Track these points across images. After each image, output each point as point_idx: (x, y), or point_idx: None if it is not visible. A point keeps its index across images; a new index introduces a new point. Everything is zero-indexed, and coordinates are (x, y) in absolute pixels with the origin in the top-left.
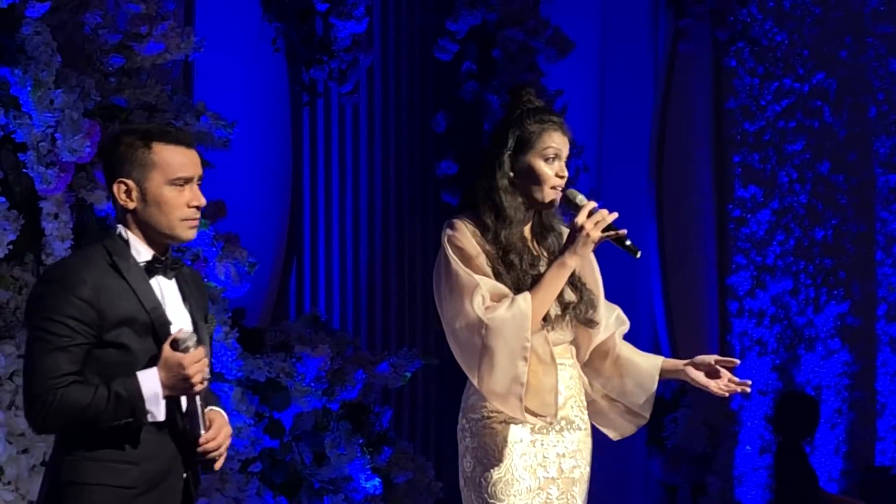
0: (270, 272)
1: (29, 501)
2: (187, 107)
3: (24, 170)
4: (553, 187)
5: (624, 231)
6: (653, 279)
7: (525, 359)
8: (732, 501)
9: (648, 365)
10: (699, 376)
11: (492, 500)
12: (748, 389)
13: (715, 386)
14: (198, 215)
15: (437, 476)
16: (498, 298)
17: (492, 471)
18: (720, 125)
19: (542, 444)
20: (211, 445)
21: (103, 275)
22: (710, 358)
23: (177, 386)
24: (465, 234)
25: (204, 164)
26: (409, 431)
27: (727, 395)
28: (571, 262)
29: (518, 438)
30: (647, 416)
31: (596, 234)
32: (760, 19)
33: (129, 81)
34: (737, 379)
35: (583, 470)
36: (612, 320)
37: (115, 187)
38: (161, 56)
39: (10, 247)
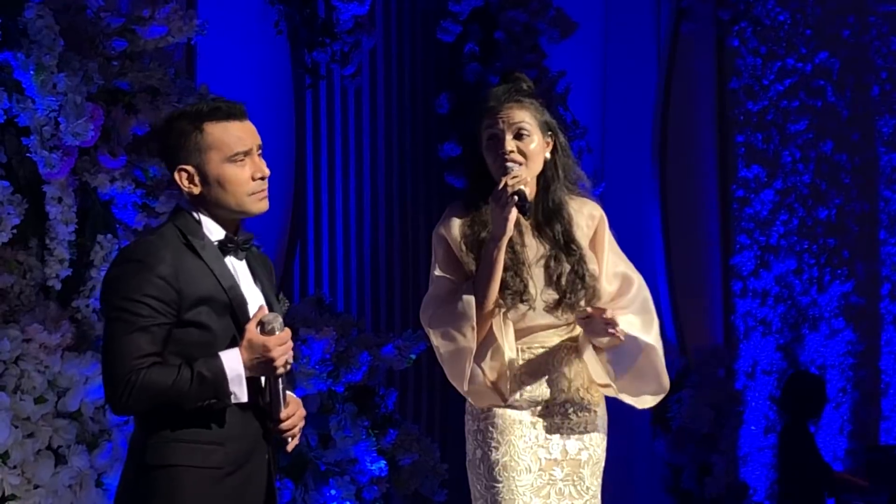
0: (274, 255)
1: (35, 486)
2: (190, 90)
3: (27, 154)
4: (500, 167)
5: (515, 199)
6: (656, 259)
7: (469, 343)
8: (737, 481)
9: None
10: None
11: (491, 483)
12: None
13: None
14: (264, 186)
15: (443, 458)
16: (447, 294)
17: (491, 453)
18: (723, 105)
19: (545, 426)
20: (288, 424)
21: (180, 254)
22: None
23: (260, 367)
24: (450, 225)
25: None
26: (414, 413)
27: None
28: (495, 239)
29: (518, 420)
30: (616, 387)
31: (502, 205)
32: None
33: (132, 65)
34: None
35: (592, 452)
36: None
37: (176, 176)
38: (164, 39)
39: (14, 231)
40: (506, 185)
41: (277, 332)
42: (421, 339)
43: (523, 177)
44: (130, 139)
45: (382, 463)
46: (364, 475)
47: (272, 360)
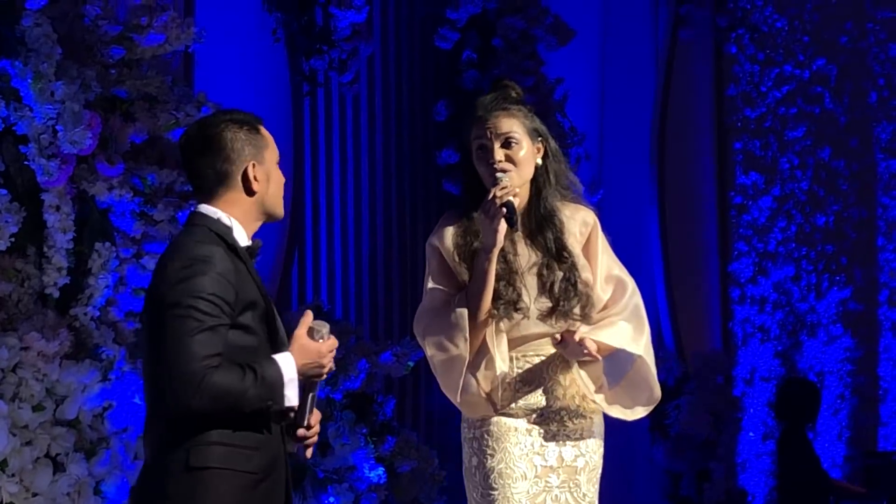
0: (272, 262)
1: (33, 493)
2: (188, 98)
3: (25, 162)
4: (491, 177)
5: (503, 210)
6: (655, 266)
7: (460, 347)
8: (736, 488)
9: None
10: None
11: (487, 490)
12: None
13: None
14: None
15: (441, 465)
16: (439, 307)
17: (487, 461)
18: (721, 112)
19: (541, 433)
20: (313, 431)
21: (230, 256)
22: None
23: (309, 373)
24: (443, 236)
25: None
26: (412, 420)
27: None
28: (486, 251)
29: (513, 427)
30: (609, 398)
31: (490, 216)
32: (760, 6)
33: (130, 73)
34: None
35: (588, 459)
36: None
37: (250, 170)
38: (161, 47)
39: (13, 239)
40: (494, 196)
41: (325, 339)
42: (419, 347)
43: (512, 188)
44: (128, 147)
45: (381, 470)
46: (362, 482)
47: (321, 367)
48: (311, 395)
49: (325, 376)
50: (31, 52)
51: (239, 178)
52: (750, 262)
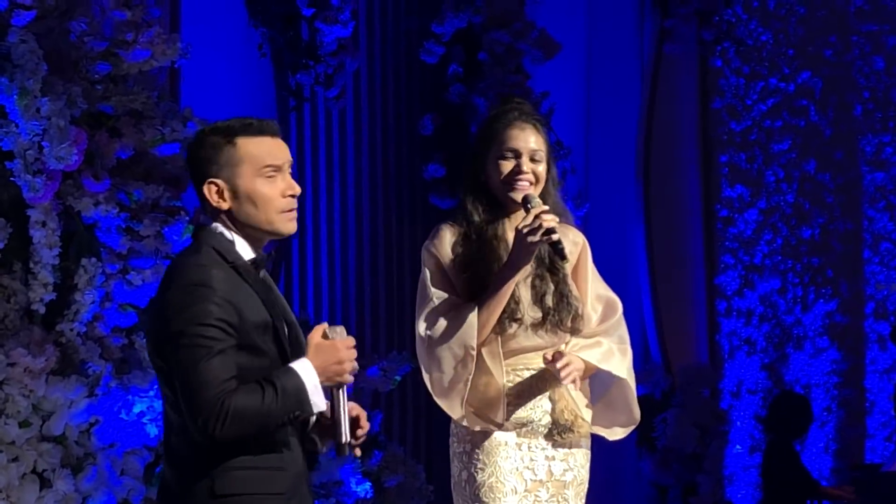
0: None
1: None
2: (174, 113)
3: (11, 178)
4: (510, 184)
5: (556, 236)
6: (641, 279)
7: (466, 364)
8: (723, 501)
9: None
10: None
11: None
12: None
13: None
14: (295, 205)
15: (428, 479)
16: (449, 310)
17: (477, 475)
18: (706, 125)
19: (530, 448)
20: (361, 433)
21: (231, 276)
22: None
23: (329, 371)
24: (442, 242)
25: None
26: (399, 435)
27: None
28: (515, 268)
29: (503, 442)
30: (585, 417)
31: (532, 239)
32: (745, 19)
33: (116, 88)
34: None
35: (576, 473)
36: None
37: (205, 189)
38: (147, 62)
39: None
40: (539, 220)
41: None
42: (406, 361)
43: (554, 215)
44: (114, 163)
45: (368, 485)
46: (349, 497)
47: (341, 363)
48: (344, 399)
49: (348, 378)
50: (16, 69)
51: (205, 194)
52: (736, 274)
